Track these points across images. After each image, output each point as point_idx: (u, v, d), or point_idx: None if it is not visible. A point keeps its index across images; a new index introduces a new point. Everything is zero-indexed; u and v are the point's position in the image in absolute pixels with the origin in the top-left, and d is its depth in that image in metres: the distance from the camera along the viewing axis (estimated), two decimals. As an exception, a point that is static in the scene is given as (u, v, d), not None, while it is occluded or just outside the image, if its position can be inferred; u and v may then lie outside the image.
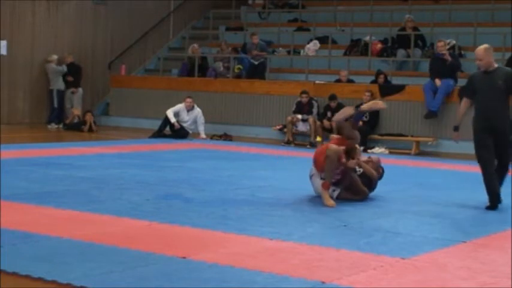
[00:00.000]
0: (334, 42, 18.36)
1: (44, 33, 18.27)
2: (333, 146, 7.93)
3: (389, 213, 7.55)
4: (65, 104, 18.07)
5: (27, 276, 4.64)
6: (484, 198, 7.98)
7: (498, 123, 7.94)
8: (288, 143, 15.37)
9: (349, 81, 16.27)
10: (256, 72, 17.42)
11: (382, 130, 15.20)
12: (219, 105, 17.21)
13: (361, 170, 8.35)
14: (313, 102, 15.61)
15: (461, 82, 14.84)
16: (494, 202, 7.92)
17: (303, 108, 15.57)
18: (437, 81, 14.68)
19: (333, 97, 15.33)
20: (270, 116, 16.61)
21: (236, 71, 17.80)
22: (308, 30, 19.27)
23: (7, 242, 5.46)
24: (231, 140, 16.05)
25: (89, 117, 17.02)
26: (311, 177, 8.36)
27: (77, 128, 16.96)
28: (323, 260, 5.39)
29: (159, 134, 15.81)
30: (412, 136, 14.88)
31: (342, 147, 8.01)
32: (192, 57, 18.52)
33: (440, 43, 15.05)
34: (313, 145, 15.08)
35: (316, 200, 8.06)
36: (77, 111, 17.74)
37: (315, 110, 15.54)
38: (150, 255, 5.26)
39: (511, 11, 16.73)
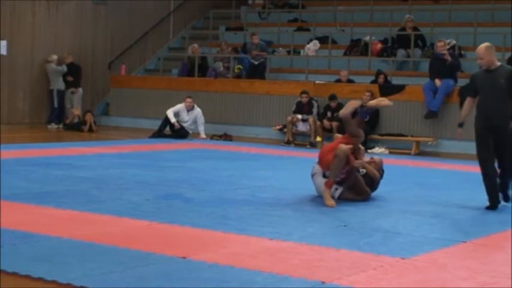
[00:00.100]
0: (334, 42, 18.36)
1: (44, 33, 18.27)
2: (343, 146, 7.91)
3: (389, 213, 7.55)
4: (65, 104, 18.07)
5: (27, 276, 4.64)
6: (484, 198, 7.97)
7: (499, 122, 7.84)
8: (288, 143, 15.37)
9: (349, 81, 16.27)
10: (256, 72, 17.42)
11: (382, 130, 15.20)
12: (219, 105, 17.21)
13: (364, 170, 8.35)
14: (313, 102, 15.61)
15: (461, 82, 14.86)
16: (493, 202, 7.90)
17: (303, 108, 15.57)
18: (437, 81, 14.68)
19: (333, 97, 15.34)
20: (270, 116, 16.61)
21: (236, 71, 17.80)
22: (308, 30, 19.27)
23: (7, 242, 5.46)
24: (231, 140, 16.05)
25: (89, 117, 17.02)
26: (313, 175, 8.35)
27: (77, 128, 16.96)
28: (323, 260, 5.39)
29: (159, 134, 15.81)
30: (412, 136, 14.88)
31: (350, 146, 7.99)
32: (192, 57, 18.52)
33: (440, 43, 15.05)
34: (313, 145, 15.09)
35: (316, 200, 8.06)
36: (77, 111, 17.74)
37: (315, 110, 15.54)
38: (150, 255, 5.26)
39: (511, 11, 16.72)
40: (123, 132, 17.09)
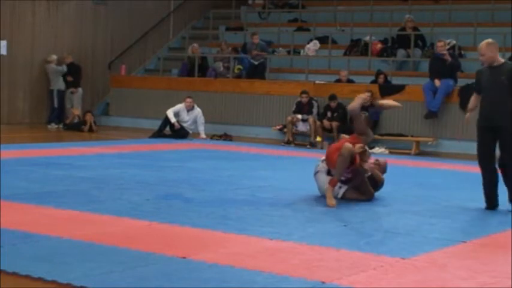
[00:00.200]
0: (334, 42, 18.36)
1: (44, 33, 18.28)
2: (348, 145, 7.89)
3: (389, 213, 7.55)
4: (65, 104, 18.07)
5: (27, 276, 4.64)
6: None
7: (500, 121, 7.66)
8: (288, 143, 15.37)
9: (349, 81, 16.27)
10: (256, 72, 17.42)
11: (382, 130, 15.20)
12: (219, 105, 17.21)
13: (369, 173, 8.35)
14: (313, 102, 15.61)
15: (461, 82, 14.88)
16: (491, 203, 7.86)
17: (303, 108, 15.57)
18: (437, 82, 14.67)
19: (333, 97, 15.33)
20: (270, 116, 16.61)
21: (236, 71, 17.80)
22: (308, 30, 19.27)
23: (7, 242, 5.46)
24: (231, 140, 16.05)
25: (89, 117, 17.02)
26: (316, 173, 8.33)
27: (77, 128, 16.96)
28: (323, 260, 5.39)
29: (159, 134, 15.81)
30: (412, 136, 14.87)
31: (360, 145, 7.97)
32: (192, 57, 18.52)
33: (440, 43, 15.05)
34: (313, 145, 15.10)
35: (316, 200, 8.06)
36: (77, 111, 17.74)
37: (315, 110, 15.54)
38: (150, 255, 5.26)
39: (511, 11, 16.72)
40: (123, 132, 17.09)
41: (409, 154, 14.32)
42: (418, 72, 16.50)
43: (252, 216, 7.01)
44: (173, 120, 15.76)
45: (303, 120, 15.49)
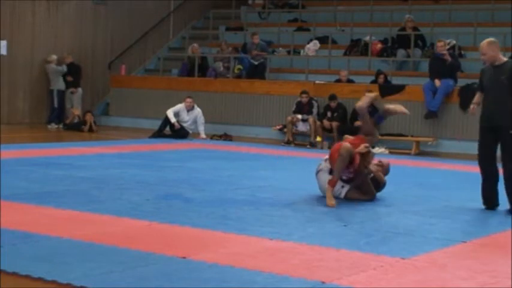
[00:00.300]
0: (334, 42, 18.36)
1: (44, 33, 18.28)
2: (347, 145, 7.90)
3: (389, 213, 7.55)
4: (65, 104, 18.07)
5: (27, 276, 4.64)
6: (484, 198, 7.99)
7: (500, 121, 7.60)
8: (288, 143, 15.37)
9: (349, 81, 16.28)
10: (256, 72, 17.43)
11: (382, 130, 15.09)
12: (219, 105, 17.21)
13: (372, 174, 8.35)
14: (313, 102, 15.61)
15: (461, 82, 14.88)
16: (488, 204, 7.84)
17: (303, 108, 15.57)
18: (437, 82, 14.67)
19: (333, 97, 15.33)
20: (270, 116, 16.61)
21: (236, 71, 17.80)
22: (308, 30, 19.27)
23: (7, 242, 5.46)
24: (231, 140, 16.05)
25: (89, 117, 17.03)
26: (318, 172, 8.33)
27: (77, 128, 16.96)
28: (323, 260, 5.39)
29: (159, 134, 15.81)
30: (412, 136, 14.88)
31: (365, 145, 7.95)
32: (192, 57, 18.52)
33: (440, 43, 15.05)
34: (313, 145, 15.10)
35: (316, 200, 8.06)
36: (77, 111, 17.74)
37: (315, 110, 15.54)
38: (150, 255, 5.26)
39: (511, 11, 16.72)
40: (123, 132, 17.09)
41: (409, 154, 14.32)
42: (418, 72, 16.50)
43: (252, 216, 7.01)
44: (173, 120, 15.76)
45: (303, 120, 15.49)
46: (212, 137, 16.12)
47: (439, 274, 5.12)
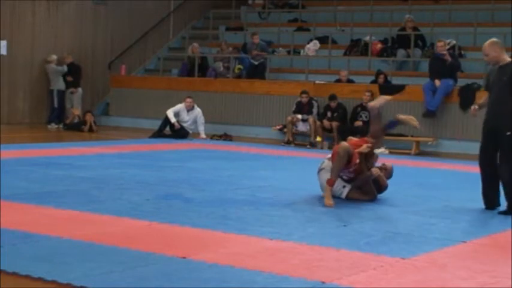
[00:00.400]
0: (334, 42, 18.36)
1: (44, 33, 18.28)
2: (345, 144, 7.90)
3: (389, 213, 7.55)
4: (65, 104, 18.07)
5: (27, 276, 4.63)
6: (484, 198, 7.98)
7: (500, 121, 7.56)
8: (288, 143, 15.37)
9: (349, 81, 16.28)
10: (256, 72, 17.43)
11: (382, 130, 15.16)
12: (219, 105, 17.21)
13: (373, 177, 8.34)
14: (313, 102, 15.61)
15: (461, 82, 14.88)
16: (489, 204, 7.84)
17: (303, 108, 15.57)
18: (437, 82, 14.67)
19: (333, 97, 15.33)
20: (270, 116, 16.61)
21: (236, 71, 17.80)
22: (308, 30, 19.27)
23: (7, 242, 5.46)
24: (231, 140, 16.05)
25: (89, 117, 17.03)
26: (320, 171, 8.32)
27: (77, 128, 16.96)
28: (323, 260, 5.39)
29: (159, 134, 15.81)
30: (412, 136, 14.86)
31: (367, 145, 7.94)
32: (192, 57, 18.52)
33: (440, 43, 15.05)
34: (313, 145, 15.10)
35: (316, 200, 8.06)
36: (77, 111, 17.75)
37: (315, 110, 15.54)
38: (150, 255, 5.26)
39: (511, 11, 16.72)
40: (123, 132, 17.09)
41: (409, 154, 14.32)
42: (418, 72, 16.50)
43: (252, 216, 7.01)
44: (173, 120, 15.76)
45: (303, 120, 15.49)
46: (212, 137, 16.12)
47: (439, 274, 5.12)
